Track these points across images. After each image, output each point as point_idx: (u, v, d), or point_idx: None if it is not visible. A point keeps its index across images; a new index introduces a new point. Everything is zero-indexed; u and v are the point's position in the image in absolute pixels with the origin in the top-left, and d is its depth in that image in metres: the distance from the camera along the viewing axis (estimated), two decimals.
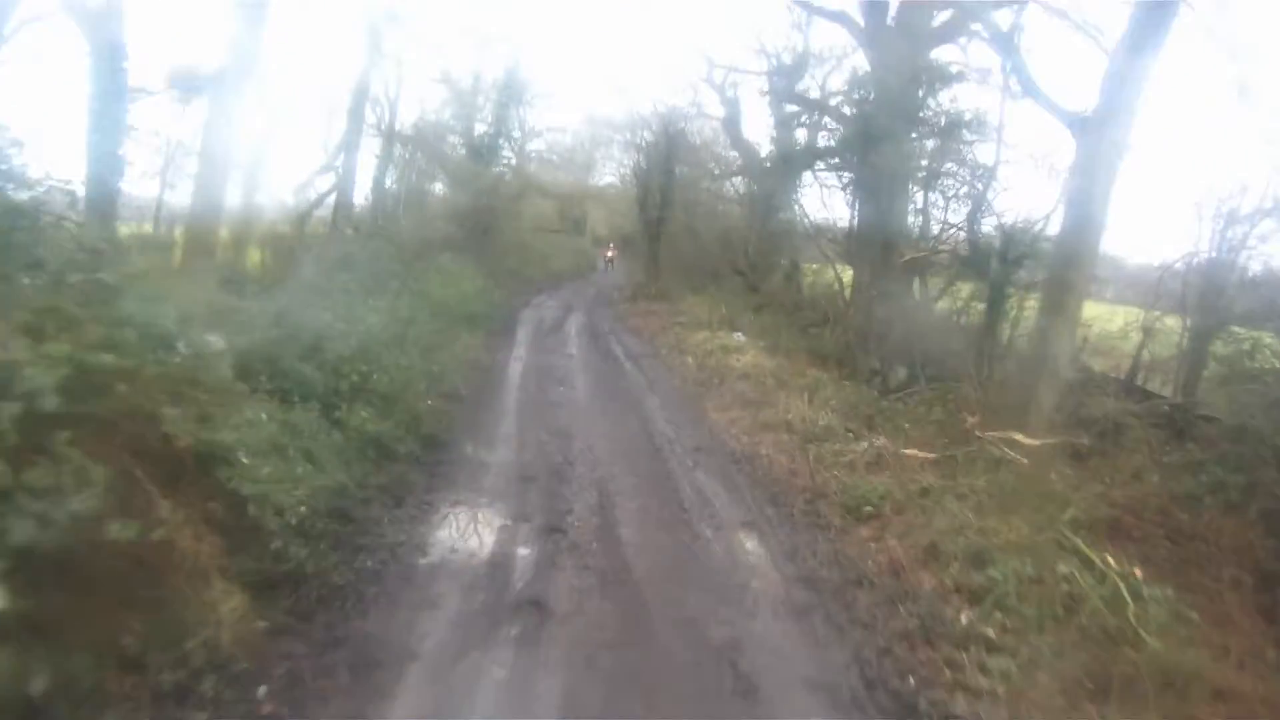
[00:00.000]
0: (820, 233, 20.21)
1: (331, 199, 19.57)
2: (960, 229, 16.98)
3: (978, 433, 9.23)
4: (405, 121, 24.73)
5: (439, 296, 14.54)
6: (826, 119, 19.97)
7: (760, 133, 24.43)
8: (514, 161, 33.56)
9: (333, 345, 7.63)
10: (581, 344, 15.64)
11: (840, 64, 19.66)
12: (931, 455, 8.87)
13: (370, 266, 13.42)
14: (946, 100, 16.20)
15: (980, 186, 15.90)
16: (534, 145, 33.67)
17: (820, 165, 20.32)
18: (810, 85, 20.59)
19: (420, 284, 14.59)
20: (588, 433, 9.17)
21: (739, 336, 14.40)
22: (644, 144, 24.10)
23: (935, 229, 17.40)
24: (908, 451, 8.96)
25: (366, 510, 6.12)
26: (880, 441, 9.20)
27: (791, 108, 21.58)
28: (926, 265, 17.29)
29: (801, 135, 21.52)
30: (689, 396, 11.65)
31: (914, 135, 16.96)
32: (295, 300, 8.16)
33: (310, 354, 7.31)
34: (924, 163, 17.23)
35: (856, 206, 18.86)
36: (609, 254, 35.55)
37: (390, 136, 24.70)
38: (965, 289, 16.69)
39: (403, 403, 8.00)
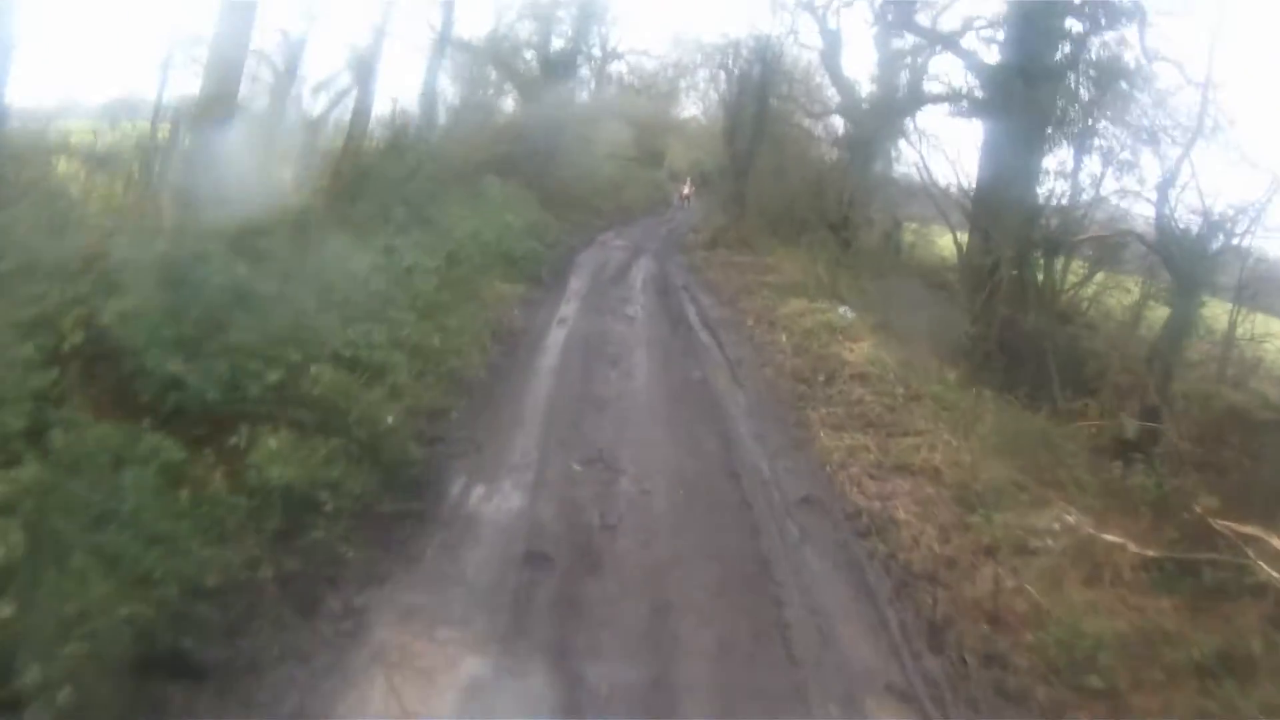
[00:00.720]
0: (936, 189, 16.63)
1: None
2: (1121, 202, 13.44)
3: (1217, 524, 5.81)
4: (475, 31, 22.04)
5: (468, 231, 11.57)
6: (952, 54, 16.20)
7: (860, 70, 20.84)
8: (593, 83, 30.36)
9: (249, 319, 4.78)
10: (647, 302, 12.58)
11: None
12: (1149, 552, 5.60)
13: (388, 192, 10.56)
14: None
15: (1171, 153, 12.09)
16: (614, 68, 30.64)
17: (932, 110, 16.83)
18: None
19: (448, 213, 11.65)
20: (643, 462, 6.22)
21: (846, 313, 11.13)
22: (736, 70, 20.41)
23: (1084, 199, 13.78)
24: (1111, 538, 5.71)
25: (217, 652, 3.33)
26: (1072, 519, 6.00)
27: (900, 43, 17.85)
28: (1072, 246, 13.84)
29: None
30: (786, 399, 8.53)
31: (1071, 78, 13.39)
32: (213, 247, 5.24)
33: (204, 336, 4.49)
34: (1081, 114, 13.59)
35: (986, 161, 15.28)
36: (686, 190, 32.41)
37: (444, 41, 21.78)
38: (1131, 284, 13.19)
39: (359, 412, 5.15)
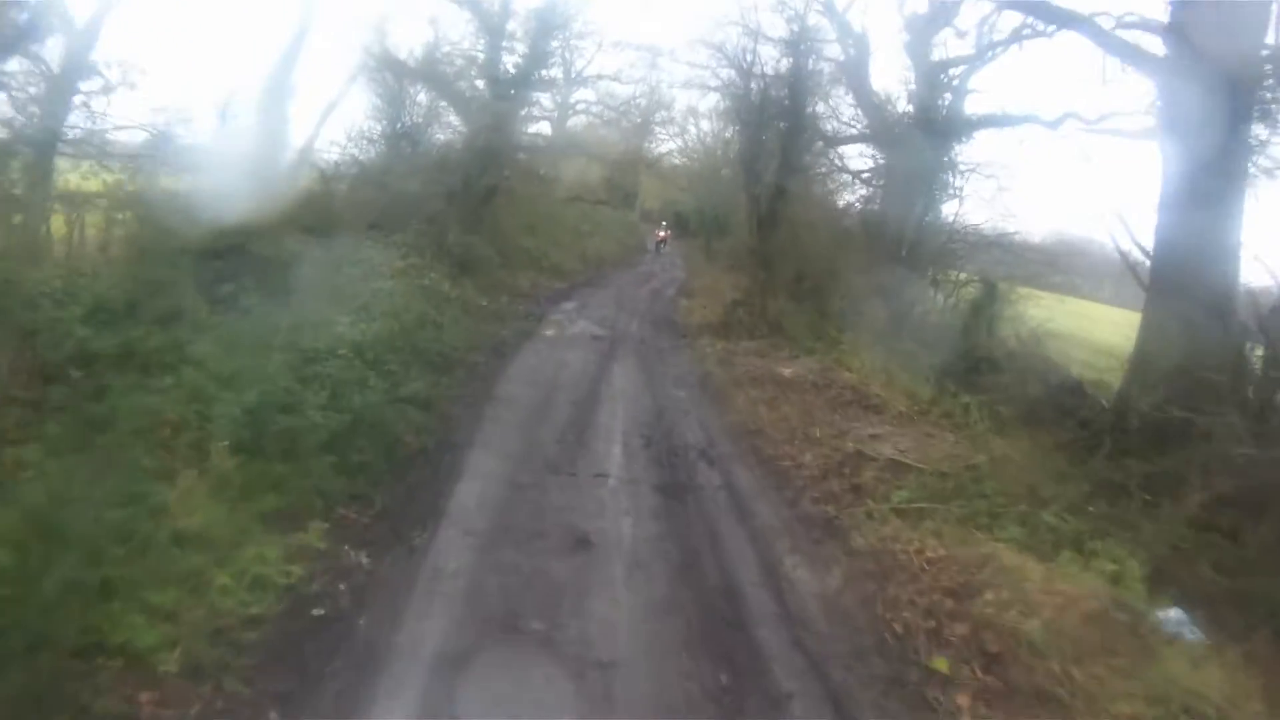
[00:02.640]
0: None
1: None
2: None
3: None
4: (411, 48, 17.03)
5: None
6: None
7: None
8: (554, 114, 25.49)
9: None
10: (640, 509, 5.73)
11: None
12: None
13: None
14: None
15: None
16: (581, 96, 25.76)
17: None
18: None
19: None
20: None
21: (1179, 624, 4.21)
22: (754, 84, 13.92)
23: None
24: None
25: None
26: None
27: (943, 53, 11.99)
28: None
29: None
30: None
31: None
32: None
33: None
34: None
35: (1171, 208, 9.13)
36: (661, 234, 29.06)
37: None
38: None
39: None
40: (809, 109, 12.91)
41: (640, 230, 32.74)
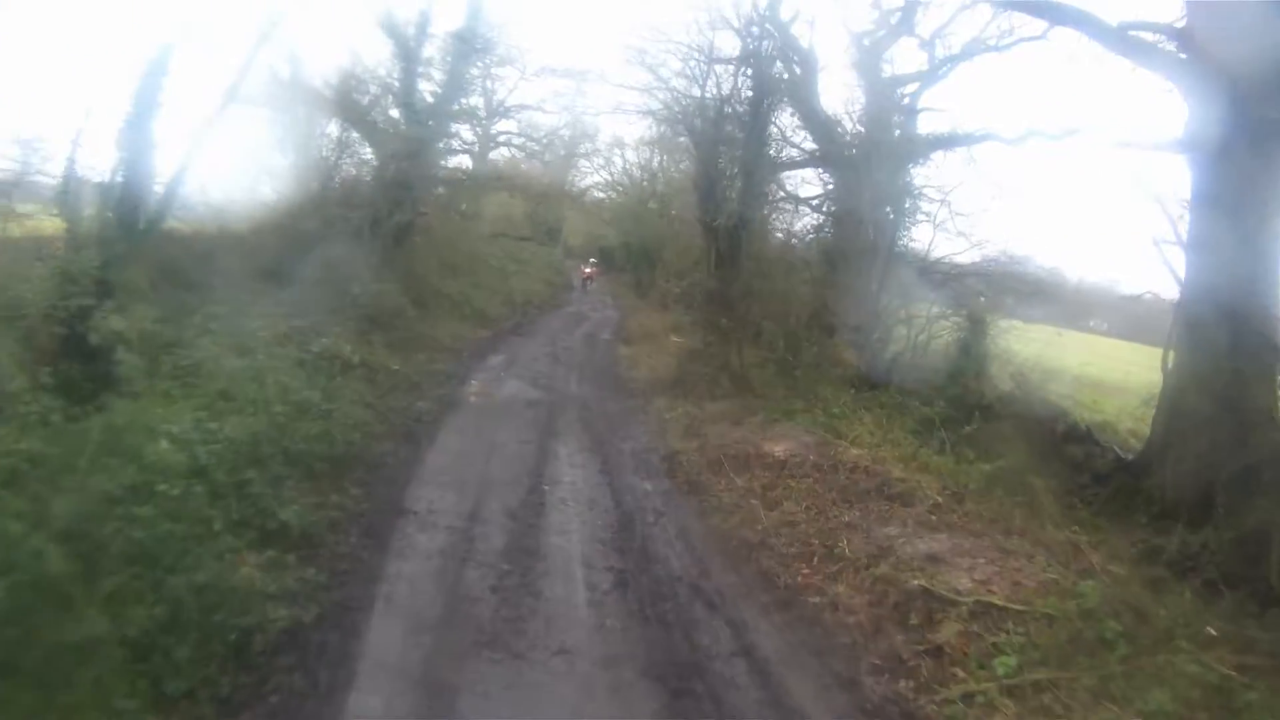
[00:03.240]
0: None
1: None
2: None
3: None
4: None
5: None
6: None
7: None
8: (475, 146, 23.90)
9: None
10: None
11: None
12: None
13: None
14: None
15: None
16: (502, 127, 24.38)
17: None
18: None
19: None
20: None
21: None
22: (713, 101, 12.22)
23: None
24: None
25: None
26: None
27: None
28: None
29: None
30: None
31: None
32: None
33: None
34: None
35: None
36: (587, 271, 27.90)
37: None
38: None
39: None
40: (773, 125, 11.32)
41: (566, 267, 31.16)
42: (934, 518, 6.12)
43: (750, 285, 10.81)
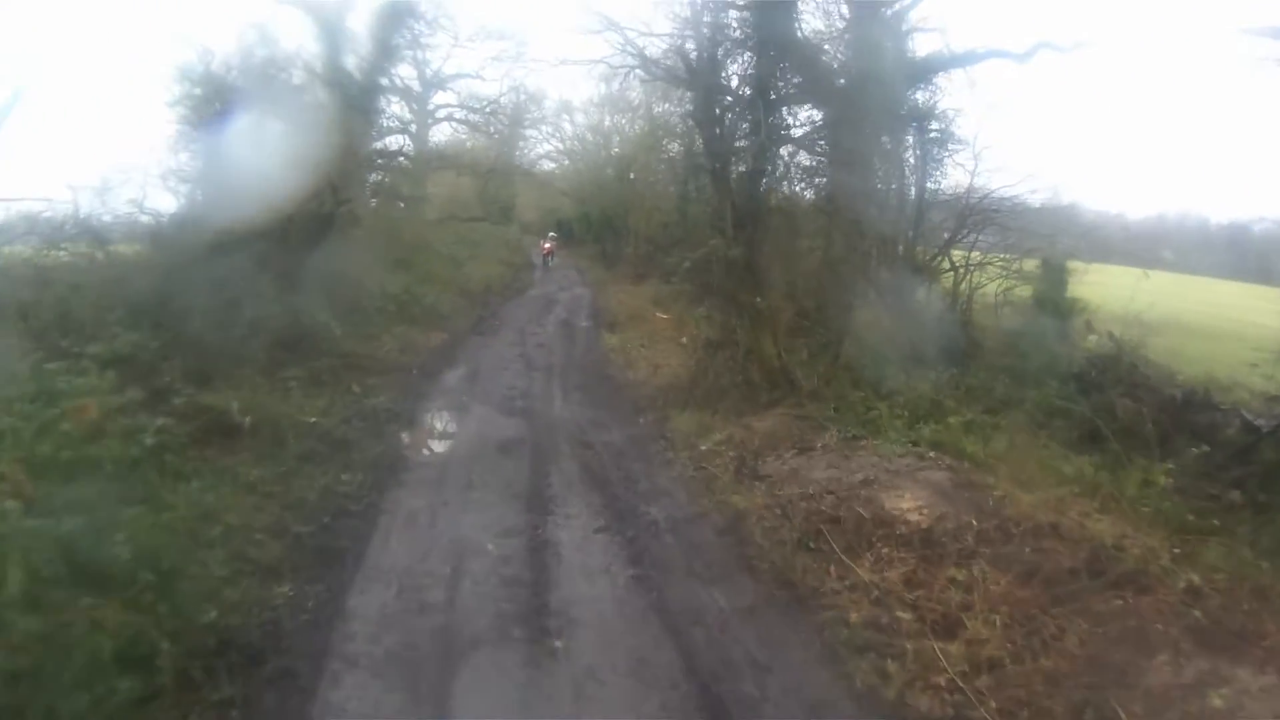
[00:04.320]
0: None
1: None
2: None
3: None
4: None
5: None
6: None
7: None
8: (413, 125, 21.52)
9: None
10: None
11: None
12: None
13: None
14: None
15: None
16: (441, 100, 22.14)
17: None
18: None
19: None
20: None
21: None
22: (712, 17, 9.17)
23: None
24: None
25: None
26: None
27: None
28: None
29: None
30: None
31: None
32: None
33: None
34: None
35: None
36: (547, 246, 26.63)
37: None
38: None
39: None
40: (799, 34, 8.38)
41: (524, 245, 28.48)
42: (1203, 618, 3.48)
43: (780, 249, 7.95)
